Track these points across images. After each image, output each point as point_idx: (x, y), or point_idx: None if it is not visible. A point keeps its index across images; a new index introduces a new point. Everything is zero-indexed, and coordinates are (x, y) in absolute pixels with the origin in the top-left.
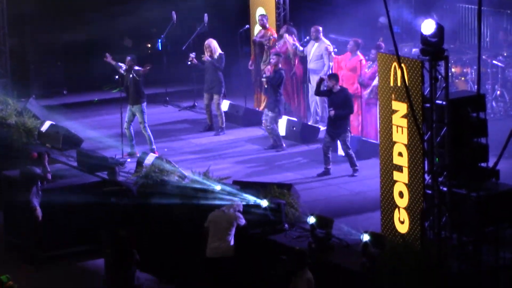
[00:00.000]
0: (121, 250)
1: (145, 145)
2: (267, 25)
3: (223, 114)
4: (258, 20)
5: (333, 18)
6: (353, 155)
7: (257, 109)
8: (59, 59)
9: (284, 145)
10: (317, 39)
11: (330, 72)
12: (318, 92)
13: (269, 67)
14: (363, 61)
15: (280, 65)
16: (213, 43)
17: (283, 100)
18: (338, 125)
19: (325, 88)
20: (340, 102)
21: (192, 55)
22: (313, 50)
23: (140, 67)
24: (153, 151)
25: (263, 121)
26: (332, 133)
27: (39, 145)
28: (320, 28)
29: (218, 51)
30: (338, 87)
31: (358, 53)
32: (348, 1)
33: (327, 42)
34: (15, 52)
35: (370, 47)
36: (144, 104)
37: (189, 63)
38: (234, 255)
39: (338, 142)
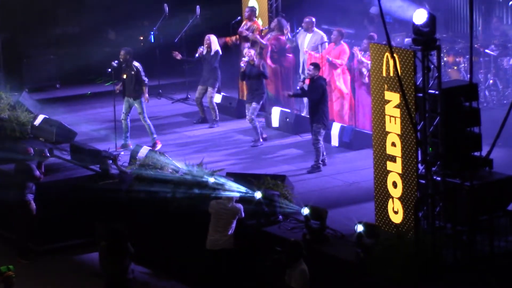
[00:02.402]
0: (115, 243)
1: (140, 138)
2: (254, 18)
3: (216, 107)
4: (245, 12)
5: (326, 8)
6: (321, 151)
7: None
8: (52, 52)
9: (261, 139)
10: (309, 30)
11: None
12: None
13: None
14: (347, 50)
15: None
16: (212, 38)
17: (264, 91)
18: (314, 112)
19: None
20: (313, 89)
21: (175, 54)
22: (306, 41)
23: (139, 63)
24: (154, 141)
25: (247, 112)
26: (310, 121)
27: (32, 139)
28: (313, 19)
29: (215, 48)
30: (317, 76)
31: (342, 42)
32: None
33: (321, 32)
34: (7, 45)
35: (362, 38)
36: (143, 96)
37: (178, 58)
38: (233, 248)
39: (331, 133)
